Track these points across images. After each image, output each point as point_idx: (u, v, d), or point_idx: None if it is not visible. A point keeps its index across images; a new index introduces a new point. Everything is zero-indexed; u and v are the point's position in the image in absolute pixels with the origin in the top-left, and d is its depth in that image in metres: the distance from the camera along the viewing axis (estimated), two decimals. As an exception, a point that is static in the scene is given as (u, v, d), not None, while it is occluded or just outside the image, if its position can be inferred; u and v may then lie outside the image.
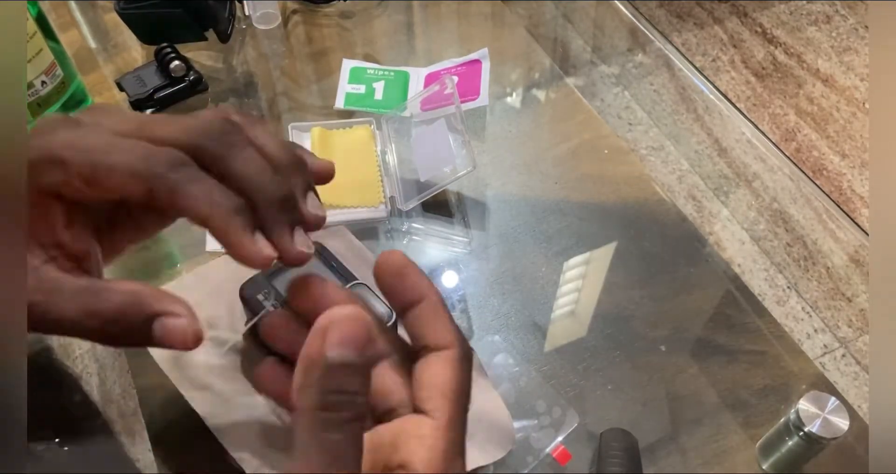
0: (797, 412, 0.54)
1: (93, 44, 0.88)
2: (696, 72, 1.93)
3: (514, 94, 0.85)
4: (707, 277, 0.69)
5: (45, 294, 0.25)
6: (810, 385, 0.62)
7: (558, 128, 0.81)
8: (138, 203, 0.27)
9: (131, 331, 0.26)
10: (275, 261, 0.28)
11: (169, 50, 0.77)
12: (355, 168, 0.72)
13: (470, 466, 0.55)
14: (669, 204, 0.75)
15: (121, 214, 0.31)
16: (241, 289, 0.56)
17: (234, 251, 0.27)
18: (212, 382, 0.53)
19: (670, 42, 2.00)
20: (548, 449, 0.57)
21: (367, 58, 0.85)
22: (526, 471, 0.56)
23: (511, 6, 0.96)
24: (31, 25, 0.61)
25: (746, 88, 1.89)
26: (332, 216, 0.68)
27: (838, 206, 1.66)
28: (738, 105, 1.86)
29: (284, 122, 0.77)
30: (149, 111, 0.77)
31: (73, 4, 0.91)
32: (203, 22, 0.81)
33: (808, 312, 1.48)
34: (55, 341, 0.57)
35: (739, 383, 0.62)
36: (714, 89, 1.88)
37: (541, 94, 0.85)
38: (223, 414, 0.51)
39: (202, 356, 0.53)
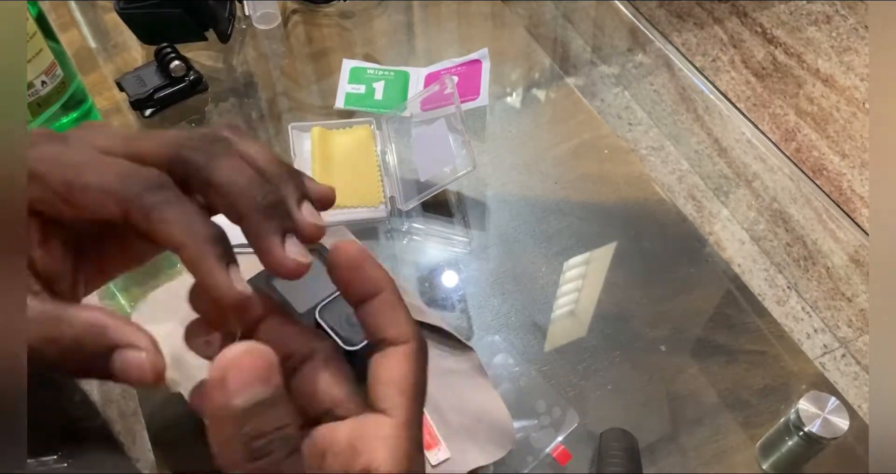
0: (797, 412, 0.54)
1: (93, 44, 0.88)
2: (696, 72, 1.93)
3: (514, 94, 0.85)
4: (707, 277, 0.69)
5: None
6: (810, 385, 0.62)
7: (558, 128, 0.81)
8: (121, 225, 0.26)
9: (90, 361, 0.24)
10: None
11: (169, 50, 0.77)
12: (355, 168, 0.72)
13: (470, 466, 0.55)
14: (669, 204, 0.75)
15: (110, 238, 0.30)
16: (241, 289, 0.56)
17: (205, 284, 0.25)
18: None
19: (670, 42, 2.00)
20: (548, 449, 0.57)
21: (367, 58, 0.85)
22: (526, 471, 0.56)
23: (511, 6, 0.96)
24: (31, 25, 0.61)
25: (746, 88, 1.89)
26: (332, 216, 0.68)
27: (838, 206, 1.66)
28: (738, 105, 1.86)
29: (284, 122, 0.77)
30: (149, 111, 0.77)
31: (73, 4, 0.91)
32: (203, 22, 0.81)
33: (808, 312, 1.48)
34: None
35: (739, 383, 0.62)
36: (714, 89, 1.88)
37: (541, 94, 0.85)
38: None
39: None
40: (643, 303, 0.66)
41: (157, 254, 0.32)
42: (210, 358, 0.26)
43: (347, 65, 0.83)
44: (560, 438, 0.58)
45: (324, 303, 0.54)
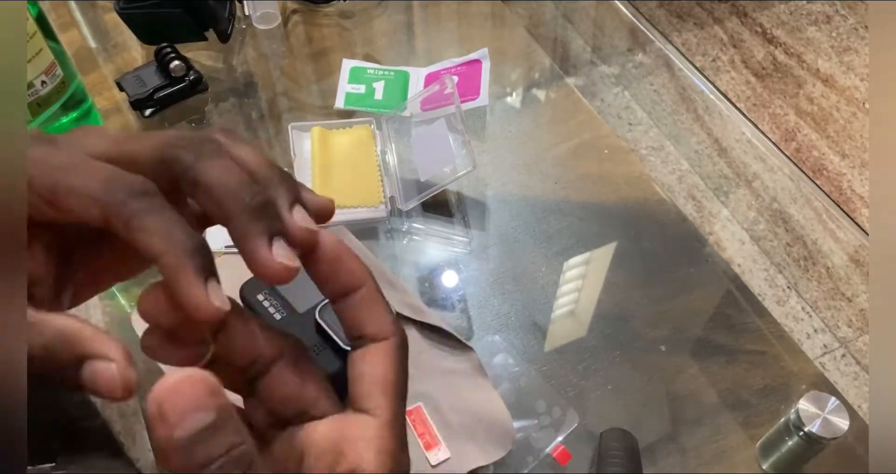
0: (797, 412, 0.54)
1: (93, 44, 0.88)
2: (696, 72, 1.93)
3: (514, 94, 0.85)
4: (707, 277, 0.69)
5: None
6: (810, 385, 0.62)
7: (558, 128, 0.81)
8: (105, 231, 0.25)
9: (60, 370, 0.24)
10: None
11: (169, 50, 0.77)
12: (355, 168, 0.72)
13: (470, 466, 0.55)
14: (669, 204, 0.75)
15: (104, 246, 0.29)
16: (242, 289, 0.56)
17: (181, 298, 0.24)
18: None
19: (670, 42, 2.00)
20: (548, 449, 0.57)
21: (367, 58, 0.85)
22: (526, 471, 0.56)
23: (511, 6, 0.96)
24: (31, 25, 0.61)
25: (746, 88, 1.89)
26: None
27: (838, 206, 1.66)
28: (738, 105, 1.86)
29: (284, 122, 0.77)
30: (149, 111, 0.77)
31: (73, 4, 0.91)
32: (203, 22, 0.81)
33: (808, 312, 1.48)
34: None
35: (739, 383, 0.62)
36: (714, 89, 1.88)
37: (541, 94, 0.85)
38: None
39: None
40: (643, 303, 0.66)
41: (152, 265, 0.31)
42: (181, 364, 0.26)
43: (347, 65, 0.83)
44: (560, 438, 0.58)
45: (324, 303, 0.54)
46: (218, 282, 0.25)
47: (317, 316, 0.54)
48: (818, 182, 1.71)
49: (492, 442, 0.56)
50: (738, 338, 0.65)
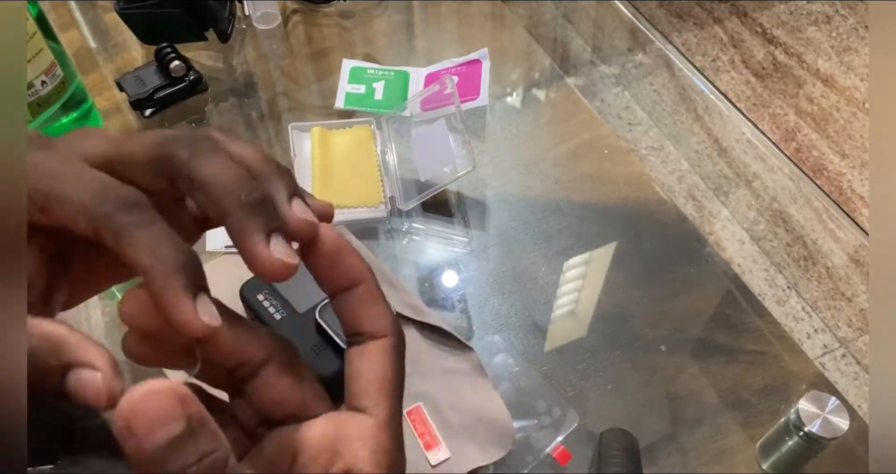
0: (797, 412, 0.54)
1: (93, 44, 0.88)
2: (696, 72, 1.93)
3: (514, 94, 0.85)
4: (707, 277, 0.69)
5: None
6: (810, 385, 0.62)
7: (558, 128, 0.81)
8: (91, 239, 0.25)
9: (44, 377, 0.23)
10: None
11: (169, 50, 0.77)
12: (355, 168, 0.72)
13: (470, 466, 0.55)
14: (669, 204, 0.75)
15: (100, 250, 0.28)
16: (242, 290, 0.56)
17: (168, 315, 0.24)
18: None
19: (670, 42, 2.00)
20: (548, 449, 0.57)
21: (367, 58, 0.85)
22: (526, 471, 0.56)
23: (511, 6, 0.96)
24: (31, 25, 0.61)
25: (746, 88, 1.89)
26: (332, 216, 0.68)
27: (838, 206, 1.66)
28: (738, 105, 1.86)
29: (284, 122, 0.77)
30: (149, 111, 0.77)
31: (73, 4, 0.91)
32: (203, 22, 0.81)
33: (808, 312, 1.48)
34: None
35: (739, 383, 0.62)
36: (714, 89, 1.88)
37: (541, 94, 0.85)
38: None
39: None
40: (643, 303, 0.66)
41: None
42: (164, 366, 0.26)
43: (347, 65, 0.83)
44: (560, 438, 0.58)
45: (324, 303, 0.54)
46: (208, 295, 0.24)
47: (317, 315, 0.54)
48: (818, 182, 1.71)
49: (492, 442, 0.56)
50: (738, 338, 0.65)
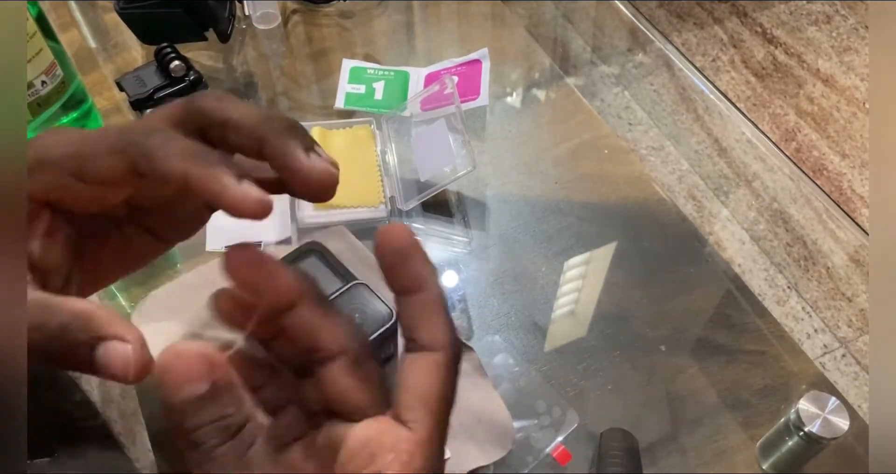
0: (797, 412, 0.54)
1: (93, 44, 0.88)
2: (696, 72, 1.93)
3: (514, 94, 0.85)
4: (707, 277, 0.69)
5: None
6: (810, 385, 0.62)
7: (558, 128, 0.81)
8: (123, 223, 0.26)
9: (74, 350, 0.24)
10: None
11: (169, 50, 0.77)
12: (355, 168, 0.72)
13: (470, 466, 0.55)
14: (669, 204, 0.75)
15: (112, 238, 0.30)
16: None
17: (220, 199, 0.25)
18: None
19: (670, 42, 2.00)
20: (548, 449, 0.57)
21: (367, 58, 0.85)
22: (526, 471, 0.56)
23: (511, 6, 0.96)
24: (31, 25, 0.61)
25: (746, 88, 1.89)
26: (332, 216, 0.68)
27: (838, 206, 1.66)
28: (738, 105, 1.86)
29: (284, 122, 0.77)
30: (149, 111, 0.77)
31: (73, 4, 0.91)
32: (203, 22, 0.81)
33: (808, 312, 1.48)
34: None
35: (739, 383, 0.62)
36: (714, 89, 1.88)
37: (541, 94, 0.85)
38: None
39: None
40: (643, 303, 0.66)
41: (158, 256, 0.32)
42: (240, 328, 0.27)
43: (347, 65, 0.83)
44: (560, 438, 0.58)
45: (353, 285, 0.55)
46: (252, 181, 0.26)
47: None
48: (818, 182, 1.71)
49: (492, 442, 0.56)
50: (738, 338, 0.65)
